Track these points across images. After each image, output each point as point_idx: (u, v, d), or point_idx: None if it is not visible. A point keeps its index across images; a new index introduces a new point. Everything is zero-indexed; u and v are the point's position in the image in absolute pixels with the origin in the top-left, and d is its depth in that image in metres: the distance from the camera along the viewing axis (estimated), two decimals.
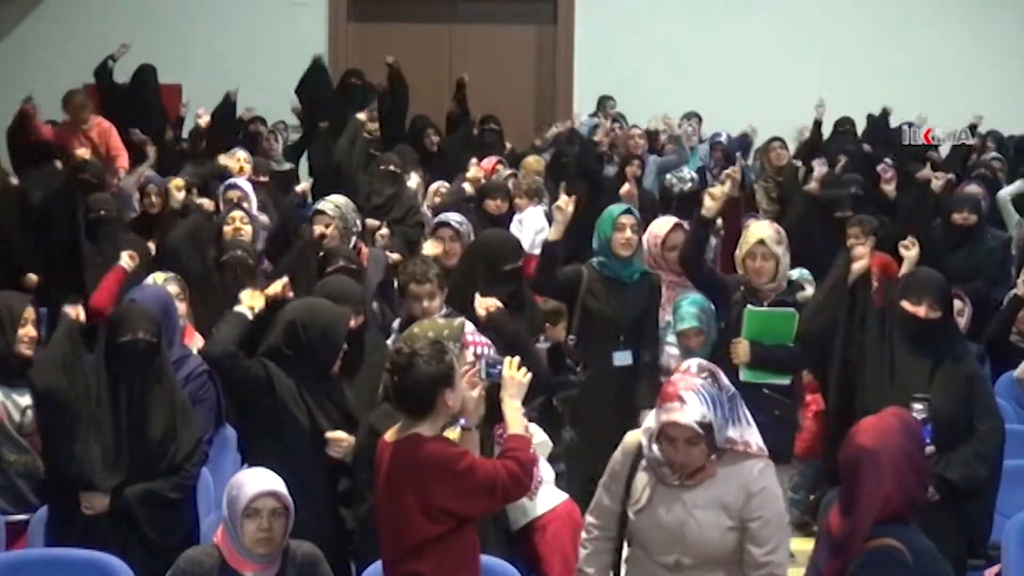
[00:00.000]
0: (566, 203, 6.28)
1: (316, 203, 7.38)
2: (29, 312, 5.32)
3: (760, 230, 6.20)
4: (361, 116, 10.09)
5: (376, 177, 9.02)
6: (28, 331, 5.29)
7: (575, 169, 10.07)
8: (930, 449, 4.08)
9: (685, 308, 6.12)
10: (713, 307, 6.09)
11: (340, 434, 4.93)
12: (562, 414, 6.09)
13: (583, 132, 11.48)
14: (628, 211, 6.38)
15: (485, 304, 5.55)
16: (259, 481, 4.31)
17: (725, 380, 3.85)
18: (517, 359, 4.27)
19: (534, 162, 9.80)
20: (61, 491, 4.91)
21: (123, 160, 9.80)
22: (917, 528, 3.46)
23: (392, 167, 8.98)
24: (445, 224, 6.94)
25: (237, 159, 9.10)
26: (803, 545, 6.91)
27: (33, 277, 8.12)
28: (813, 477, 7.10)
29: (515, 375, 4.21)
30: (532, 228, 8.56)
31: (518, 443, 4.15)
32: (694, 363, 3.87)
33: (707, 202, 6.22)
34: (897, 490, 3.36)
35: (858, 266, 5.62)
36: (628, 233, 6.25)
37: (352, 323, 5.32)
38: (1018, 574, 4.96)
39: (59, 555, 4.76)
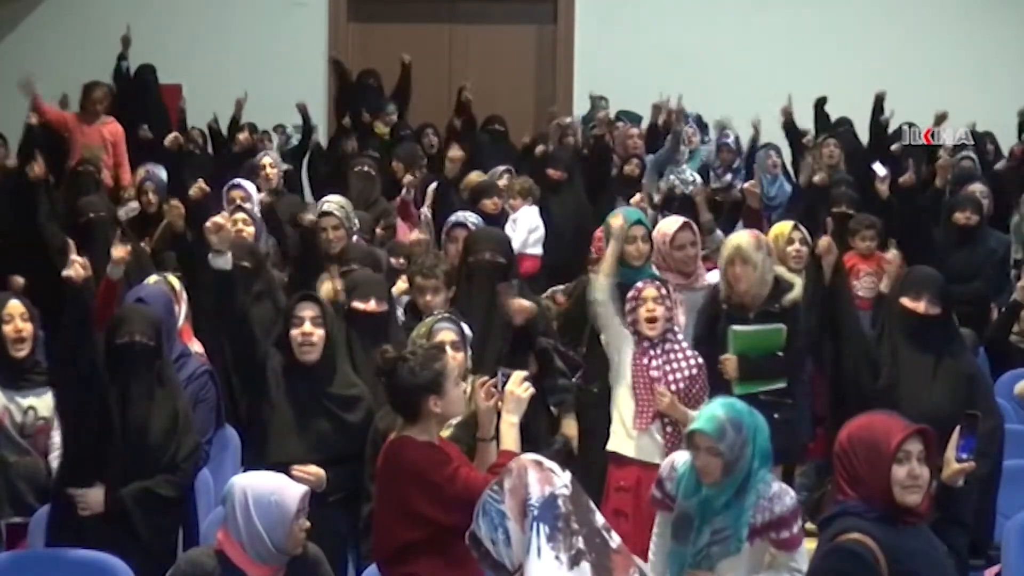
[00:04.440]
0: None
1: (320, 205, 7.37)
2: (12, 307, 5.28)
3: (738, 237, 6.22)
4: (344, 122, 10.11)
5: (352, 178, 9.00)
6: (15, 327, 5.25)
7: (572, 164, 10.05)
8: (969, 465, 4.03)
9: (710, 407, 4.40)
10: (752, 430, 4.32)
11: (307, 468, 4.91)
12: (556, 418, 6.06)
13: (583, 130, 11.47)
14: (640, 221, 6.35)
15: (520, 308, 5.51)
16: (294, 484, 4.32)
17: (536, 491, 3.12)
18: (523, 373, 4.25)
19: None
20: (67, 487, 4.89)
21: (126, 173, 9.78)
22: (919, 530, 3.45)
23: (366, 168, 8.96)
24: (461, 224, 6.96)
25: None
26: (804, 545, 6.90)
27: (20, 280, 8.10)
28: (814, 477, 7.10)
29: (516, 390, 4.20)
30: (526, 227, 8.54)
31: (509, 459, 4.12)
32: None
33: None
34: (869, 482, 3.38)
35: (825, 262, 5.59)
36: (640, 244, 6.22)
37: (375, 307, 5.43)
38: (1018, 574, 4.96)
39: (59, 555, 4.75)
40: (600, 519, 3.19)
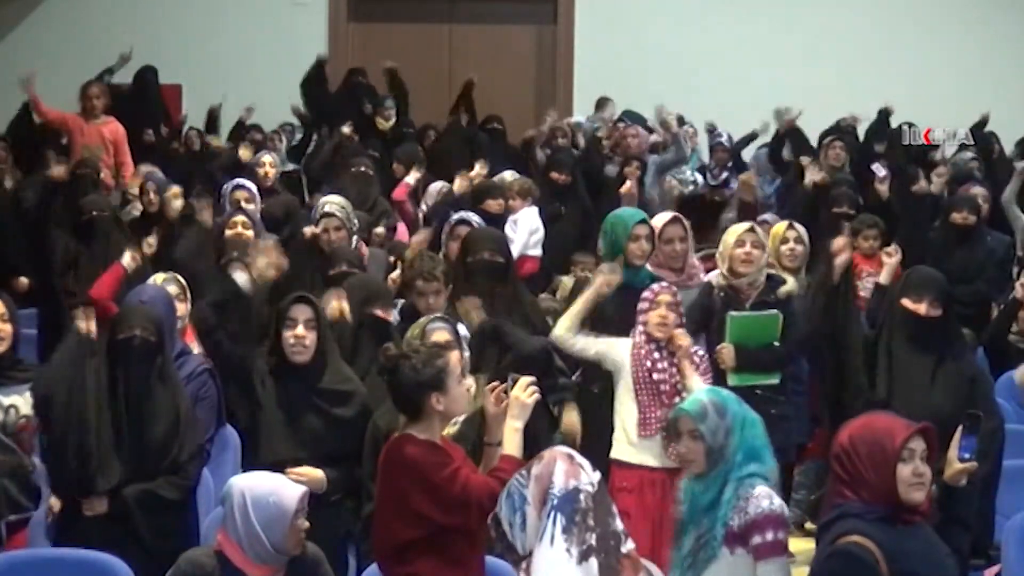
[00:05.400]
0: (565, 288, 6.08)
1: (321, 206, 7.38)
2: None
3: (747, 223, 6.28)
4: (345, 130, 10.13)
5: (347, 178, 9.02)
6: None
7: (575, 167, 10.06)
8: (972, 465, 4.01)
9: (696, 393, 4.30)
10: (739, 420, 4.03)
11: (304, 469, 4.91)
12: (556, 417, 6.06)
13: (585, 131, 11.47)
14: (643, 220, 6.35)
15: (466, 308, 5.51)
16: (292, 484, 4.32)
17: (560, 482, 3.24)
18: (529, 379, 4.25)
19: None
20: (63, 492, 4.90)
21: (128, 171, 9.81)
22: (920, 530, 3.46)
23: (364, 168, 8.97)
24: (465, 223, 6.97)
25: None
26: (803, 545, 6.92)
27: (24, 280, 8.12)
28: (814, 477, 7.11)
29: (521, 396, 4.19)
30: (526, 228, 8.53)
31: (510, 465, 4.06)
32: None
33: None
34: (874, 482, 3.39)
35: (840, 260, 5.60)
36: (643, 243, 6.22)
37: (383, 314, 5.48)
38: (1018, 574, 4.96)
39: (59, 555, 4.75)
40: (619, 524, 3.22)
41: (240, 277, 5.35)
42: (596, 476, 3.22)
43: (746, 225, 6.27)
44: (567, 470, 3.17)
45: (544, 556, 3.12)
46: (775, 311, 6.00)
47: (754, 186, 7.42)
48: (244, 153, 9.44)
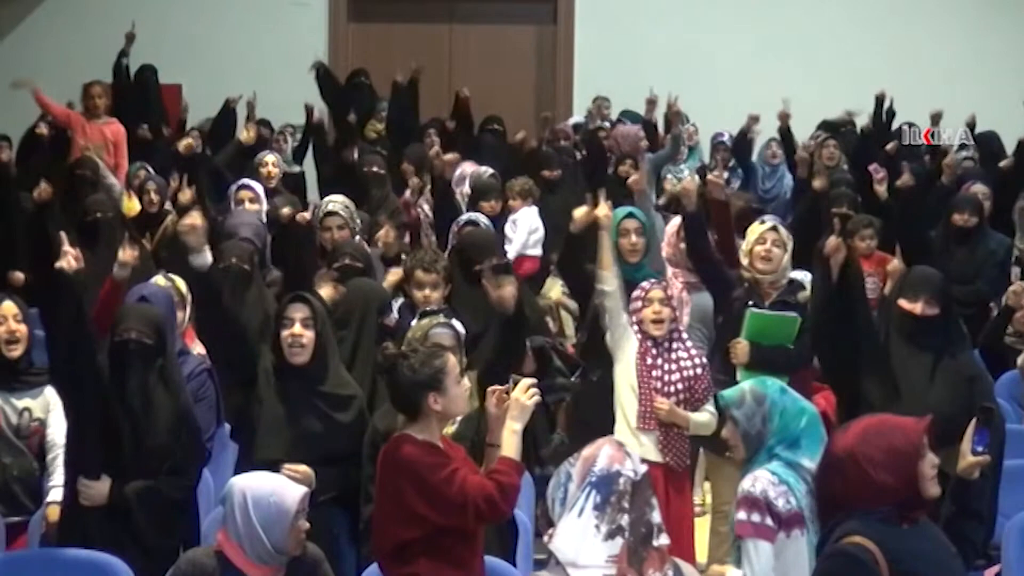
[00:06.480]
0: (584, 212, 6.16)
1: (325, 205, 7.38)
2: (6, 308, 5.25)
3: (772, 220, 6.28)
4: (352, 118, 10.10)
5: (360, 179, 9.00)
6: (7, 328, 5.22)
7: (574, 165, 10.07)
8: (985, 458, 4.00)
9: (741, 383, 4.25)
10: (778, 408, 4.05)
11: (297, 467, 4.91)
12: (554, 416, 6.07)
13: (582, 132, 11.47)
14: (631, 214, 6.34)
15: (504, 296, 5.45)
16: (293, 485, 4.33)
17: (603, 463, 3.28)
18: (530, 381, 4.24)
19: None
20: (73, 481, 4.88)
21: (122, 174, 9.80)
22: (925, 530, 3.45)
23: (376, 168, 8.96)
24: (473, 224, 6.98)
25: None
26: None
27: (20, 276, 8.09)
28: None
29: (521, 398, 4.19)
30: (526, 228, 8.54)
31: (507, 467, 4.10)
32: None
33: (683, 199, 6.33)
34: (860, 486, 3.38)
35: (833, 261, 5.58)
36: (632, 238, 6.20)
37: (386, 321, 5.55)
38: (1018, 574, 4.96)
39: (59, 555, 4.75)
40: (656, 517, 3.26)
41: (198, 259, 5.33)
42: (642, 468, 3.28)
43: (770, 224, 6.26)
44: (612, 455, 3.27)
45: (570, 525, 3.20)
46: (795, 314, 6.00)
47: (722, 184, 7.37)
48: (245, 136, 9.35)
